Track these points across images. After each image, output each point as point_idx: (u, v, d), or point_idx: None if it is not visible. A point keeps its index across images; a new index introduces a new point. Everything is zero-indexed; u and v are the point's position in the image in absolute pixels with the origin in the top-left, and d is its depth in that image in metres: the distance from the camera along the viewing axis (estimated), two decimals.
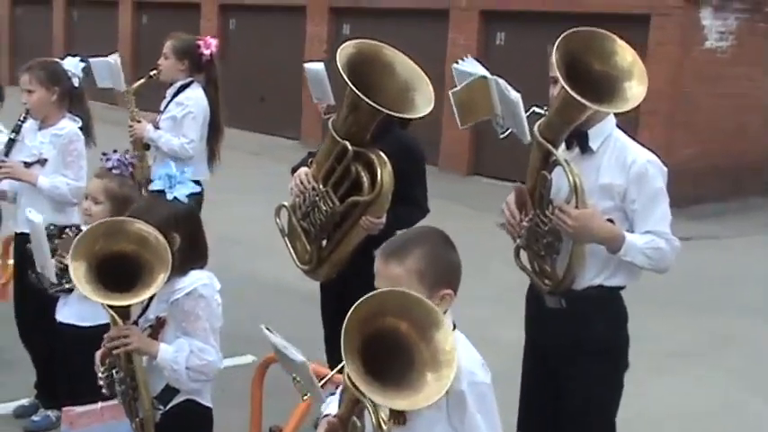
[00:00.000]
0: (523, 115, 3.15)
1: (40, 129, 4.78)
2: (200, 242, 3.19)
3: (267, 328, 2.64)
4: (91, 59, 5.89)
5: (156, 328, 3.10)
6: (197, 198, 5.69)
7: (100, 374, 3.09)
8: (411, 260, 2.39)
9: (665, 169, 3.24)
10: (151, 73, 5.96)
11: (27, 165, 4.71)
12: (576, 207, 3.07)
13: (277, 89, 16.90)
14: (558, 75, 2.85)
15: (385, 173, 3.98)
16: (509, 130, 3.23)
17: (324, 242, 4.35)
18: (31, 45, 20.67)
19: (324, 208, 4.17)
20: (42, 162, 4.71)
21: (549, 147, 3.07)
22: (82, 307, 4.07)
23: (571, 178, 3.05)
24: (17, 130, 4.75)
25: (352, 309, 2.07)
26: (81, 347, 3.99)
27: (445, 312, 2.40)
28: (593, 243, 3.17)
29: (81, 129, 4.81)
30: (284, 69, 16.22)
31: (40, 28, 22.43)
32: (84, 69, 5.01)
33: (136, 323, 3.11)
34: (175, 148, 5.73)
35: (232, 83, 17.65)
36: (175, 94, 5.90)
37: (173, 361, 3.02)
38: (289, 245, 4.52)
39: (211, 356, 3.04)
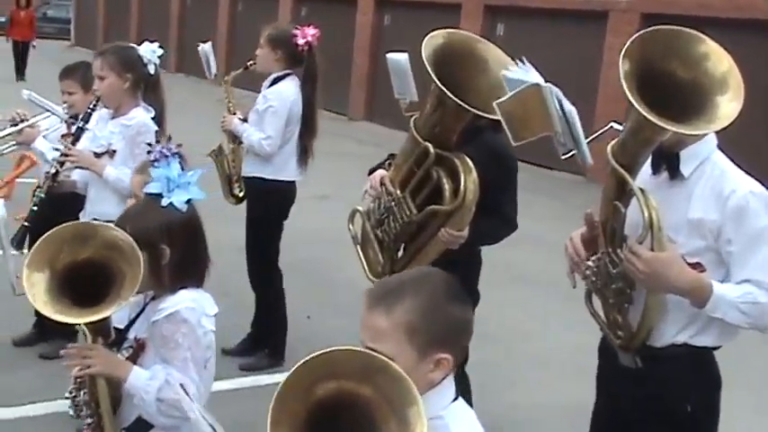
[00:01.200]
0: (581, 132, 2.55)
1: (113, 118, 4.53)
2: (195, 258, 2.75)
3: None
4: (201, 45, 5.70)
5: (137, 351, 2.70)
6: (283, 199, 5.47)
7: (67, 394, 2.71)
8: (401, 310, 1.89)
9: None
10: (248, 63, 5.63)
11: (97, 155, 4.47)
12: (652, 249, 2.45)
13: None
14: (626, 88, 2.24)
15: (469, 181, 3.46)
16: (572, 151, 2.63)
17: (398, 254, 3.90)
18: (198, 38, 21.18)
19: (399, 216, 3.71)
20: (111, 153, 4.45)
21: (623, 173, 2.46)
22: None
23: (646, 212, 2.44)
24: (86, 118, 4.51)
25: (286, 377, 1.59)
26: None
27: (440, 382, 1.90)
28: (670, 293, 2.54)
29: (154, 119, 4.53)
30: None
31: (207, 21, 22.97)
32: None
33: (117, 342, 2.73)
34: (254, 144, 5.39)
35: (386, 79, 18.09)
36: (270, 87, 5.54)
37: (142, 389, 2.60)
38: (360, 254, 4.07)
39: (189, 391, 2.60)
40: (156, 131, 4.59)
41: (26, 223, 4.37)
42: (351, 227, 4.10)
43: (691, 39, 2.33)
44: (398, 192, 3.68)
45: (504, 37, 16.36)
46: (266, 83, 5.55)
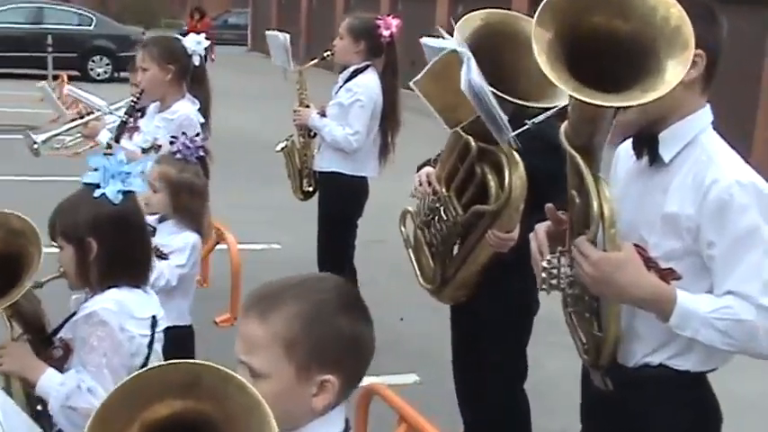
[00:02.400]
0: (494, 106, 2.13)
1: (159, 111, 4.45)
2: (127, 255, 2.54)
3: None
4: (267, 32, 5.54)
5: (65, 352, 2.53)
6: (361, 196, 5.23)
7: None
8: (278, 318, 1.57)
9: None
10: (325, 54, 5.42)
11: (144, 151, 4.39)
12: (604, 249, 2.02)
13: None
14: (541, 62, 1.81)
15: (515, 177, 3.08)
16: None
17: (450, 258, 3.56)
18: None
19: (445, 216, 3.38)
20: (156, 148, 4.35)
21: (575, 155, 2.04)
22: None
23: (596, 204, 2.00)
24: (129, 112, 4.44)
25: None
26: None
27: (327, 411, 1.59)
28: (624, 304, 2.09)
29: (199, 111, 4.41)
30: None
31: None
32: None
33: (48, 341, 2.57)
34: (338, 139, 5.16)
35: None
36: (348, 79, 5.30)
37: (51, 393, 2.41)
38: (413, 258, 3.76)
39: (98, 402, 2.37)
40: (202, 124, 4.47)
41: None
42: (402, 229, 3.80)
43: None
44: (444, 190, 3.35)
45: None
46: (344, 74, 5.32)
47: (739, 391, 4.33)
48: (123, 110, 4.50)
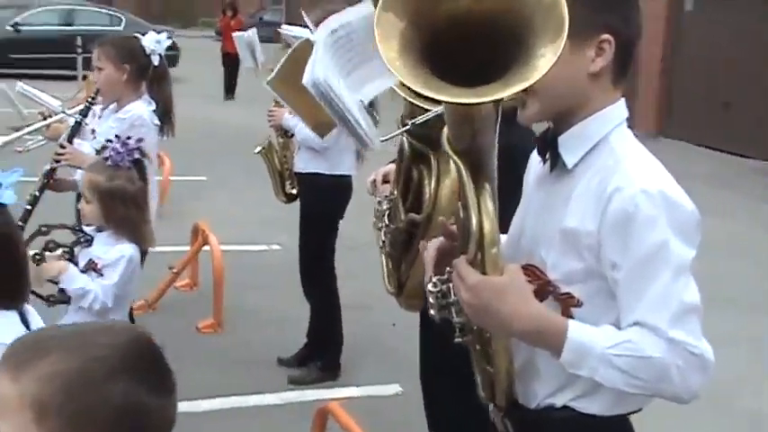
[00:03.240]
0: (346, 108, 1.85)
1: (115, 112, 4.25)
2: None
3: None
4: (235, 34, 5.33)
5: None
6: (340, 196, 5.00)
7: None
8: (32, 376, 1.24)
9: (687, 206, 1.75)
10: None
11: (98, 152, 4.19)
12: (485, 271, 1.74)
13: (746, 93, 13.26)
14: (378, 39, 1.52)
15: (443, 185, 2.85)
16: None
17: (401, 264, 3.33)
18: None
19: (389, 221, 3.16)
20: None
21: (457, 162, 1.76)
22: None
23: (474, 218, 1.71)
24: (84, 112, 4.24)
25: None
26: None
27: None
28: (508, 336, 1.81)
29: (156, 113, 4.20)
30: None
31: None
32: None
33: None
34: (308, 137, 4.90)
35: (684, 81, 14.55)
36: None
37: None
38: (383, 260, 3.53)
39: None
40: (161, 126, 4.27)
41: (20, 223, 4.15)
42: (375, 229, 3.58)
43: None
44: (395, 192, 3.12)
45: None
46: None
47: None
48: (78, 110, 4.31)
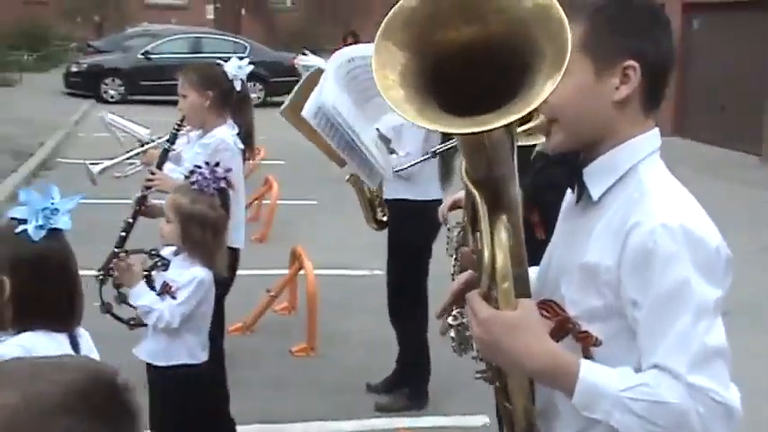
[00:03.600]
0: (360, 135, 1.80)
1: (200, 138, 4.34)
2: (44, 297, 2.36)
3: None
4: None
5: None
6: (431, 222, 4.91)
7: None
8: None
9: (712, 243, 1.63)
10: None
11: (186, 178, 4.29)
12: (497, 305, 1.66)
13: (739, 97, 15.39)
14: (375, 72, 1.48)
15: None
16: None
17: None
18: None
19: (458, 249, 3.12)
20: None
21: (473, 192, 1.70)
22: (156, 345, 3.57)
23: (486, 251, 1.65)
24: (171, 139, 4.35)
25: None
26: (154, 389, 3.53)
27: None
28: (521, 375, 1.71)
29: (239, 137, 4.27)
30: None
31: None
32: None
33: None
34: (396, 164, 4.87)
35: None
36: None
37: None
38: None
39: None
40: (243, 151, 4.33)
41: (116, 249, 4.27)
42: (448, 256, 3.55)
43: None
44: (464, 218, 3.09)
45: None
46: None
47: None
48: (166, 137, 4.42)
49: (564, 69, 1.44)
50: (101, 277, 3.53)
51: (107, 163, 4.74)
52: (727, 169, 13.92)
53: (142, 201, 4.30)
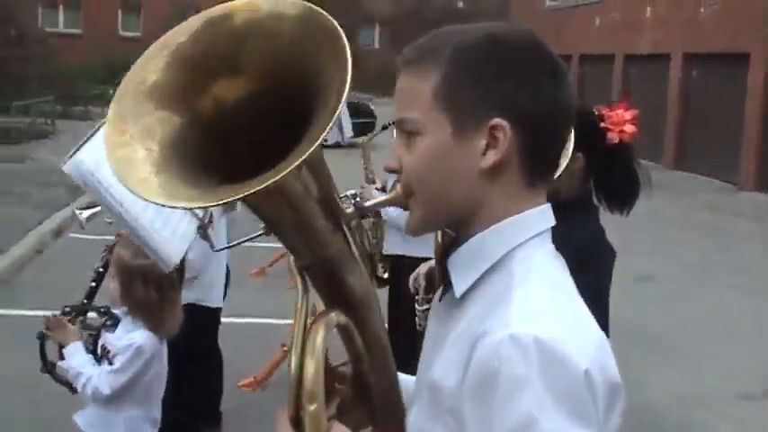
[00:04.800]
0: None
1: None
2: None
3: None
4: None
5: None
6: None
7: None
8: None
9: (579, 364, 1.19)
10: (389, 123, 4.82)
11: None
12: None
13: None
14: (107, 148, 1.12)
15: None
16: None
17: None
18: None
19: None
20: None
21: (298, 281, 1.33)
22: (94, 413, 3.25)
23: (295, 361, 1.28)
24: None
25: None
26: None
27: None
28: None
29: None
30: None
31: (602, 88, 22.21)
32: None
33: None
34: (393, 217, 4.50)
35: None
36: None
37: None
38: None
39: None
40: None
41: (85, 301, 3.97)
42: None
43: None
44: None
45: None
46: None
47: None
48: None
49: (335, 117, 1.07)
50: (42, 334, 3.24)
51: (94, 210, 4.50)
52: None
53: (112, 248, 4.02)
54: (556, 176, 2.55)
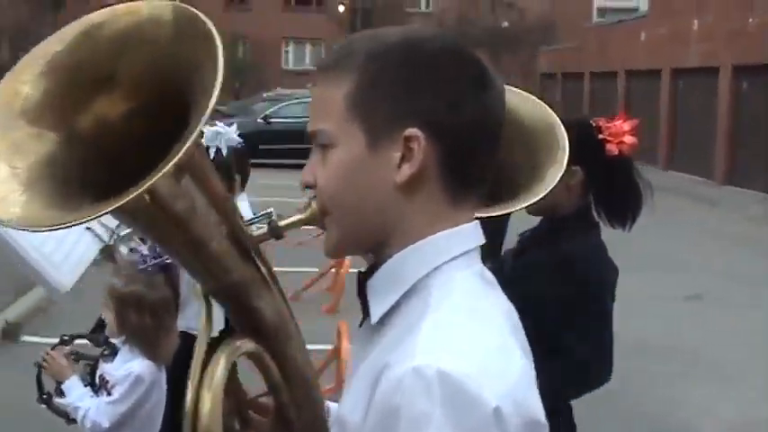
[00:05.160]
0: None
1: None
2: None
3: None
4: None
5: None
6: None
7: None
8: None
9: (488, 401, 1.06)
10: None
11: None
12: None
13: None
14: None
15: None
16: None
17: None
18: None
19: None
20: None
21: (204, 306, 1.24)
22: None
23: (190, 394, 1.17)
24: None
25: None
26: None
27: None
28: None
29: None
30: None
31: (650, 103, 21.80)
32: None
33: None
34: None
35: None
36: None
37: None
38: None
39: None
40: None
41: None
42: None
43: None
44: None
45: None
46: None
47: None
48: None
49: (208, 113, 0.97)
50: (39, 365, 3.18)
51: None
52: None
53: None
54: (548, 191, 2.44)
